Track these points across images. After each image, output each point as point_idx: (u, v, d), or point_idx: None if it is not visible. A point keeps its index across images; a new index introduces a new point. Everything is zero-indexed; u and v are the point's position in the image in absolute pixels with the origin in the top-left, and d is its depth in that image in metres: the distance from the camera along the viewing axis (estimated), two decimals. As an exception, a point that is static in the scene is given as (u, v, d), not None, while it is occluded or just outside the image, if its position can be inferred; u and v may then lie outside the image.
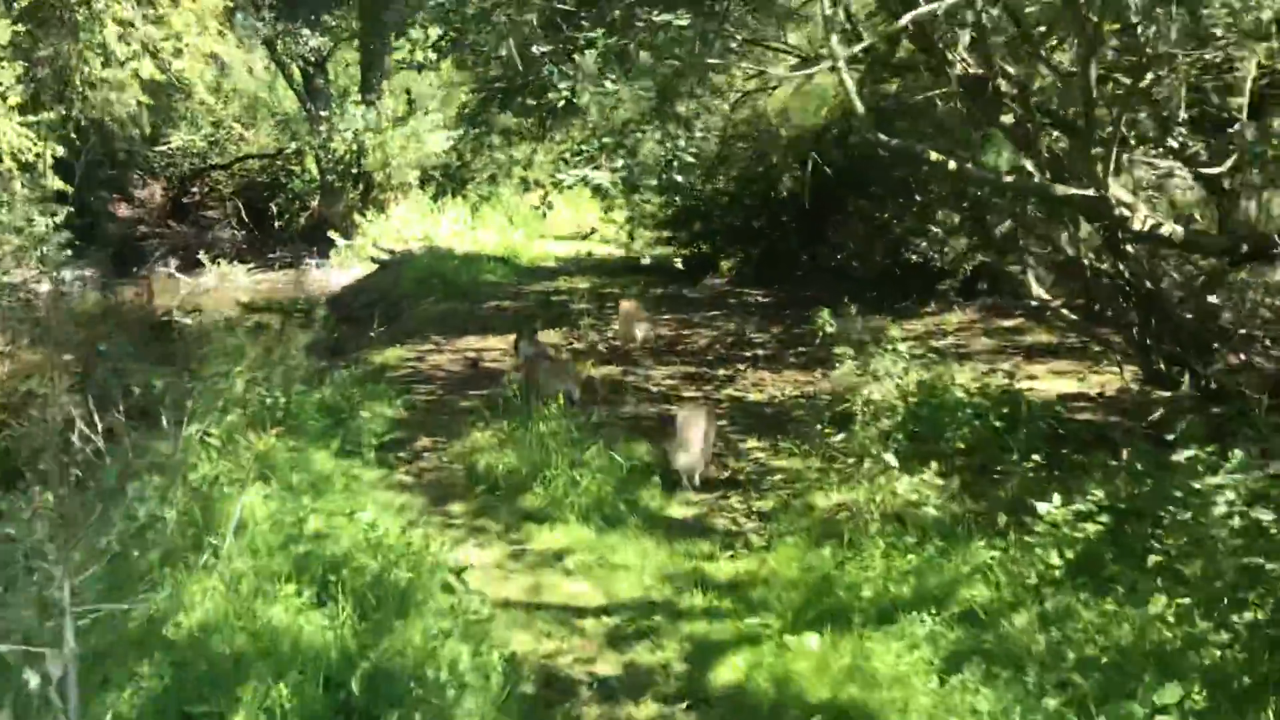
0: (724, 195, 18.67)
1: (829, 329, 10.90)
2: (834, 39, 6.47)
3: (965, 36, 8.80)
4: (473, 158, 22.07)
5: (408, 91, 24.40)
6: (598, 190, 6.74)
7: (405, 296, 16.58)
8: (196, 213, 33.09)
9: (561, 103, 6.24)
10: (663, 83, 13.74)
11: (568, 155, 6.94)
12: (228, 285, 20.67)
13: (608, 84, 6.13)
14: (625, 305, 12.71)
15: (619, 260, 21.26)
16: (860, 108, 7.15)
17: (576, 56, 6.20)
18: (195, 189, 33.39)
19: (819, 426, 7.75)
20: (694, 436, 7.59)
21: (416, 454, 7.76)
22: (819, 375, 10.41)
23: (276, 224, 31.18)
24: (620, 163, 6.68)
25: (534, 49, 8.50)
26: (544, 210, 7.36)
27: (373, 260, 20.13)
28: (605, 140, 6.78)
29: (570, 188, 6.74)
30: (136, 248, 27.55)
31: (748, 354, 11.79)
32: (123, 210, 31.36)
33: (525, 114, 10.53)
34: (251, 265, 23.23)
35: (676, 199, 19.17)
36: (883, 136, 7.76)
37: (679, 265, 18.76)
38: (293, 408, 7.58)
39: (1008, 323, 12.90)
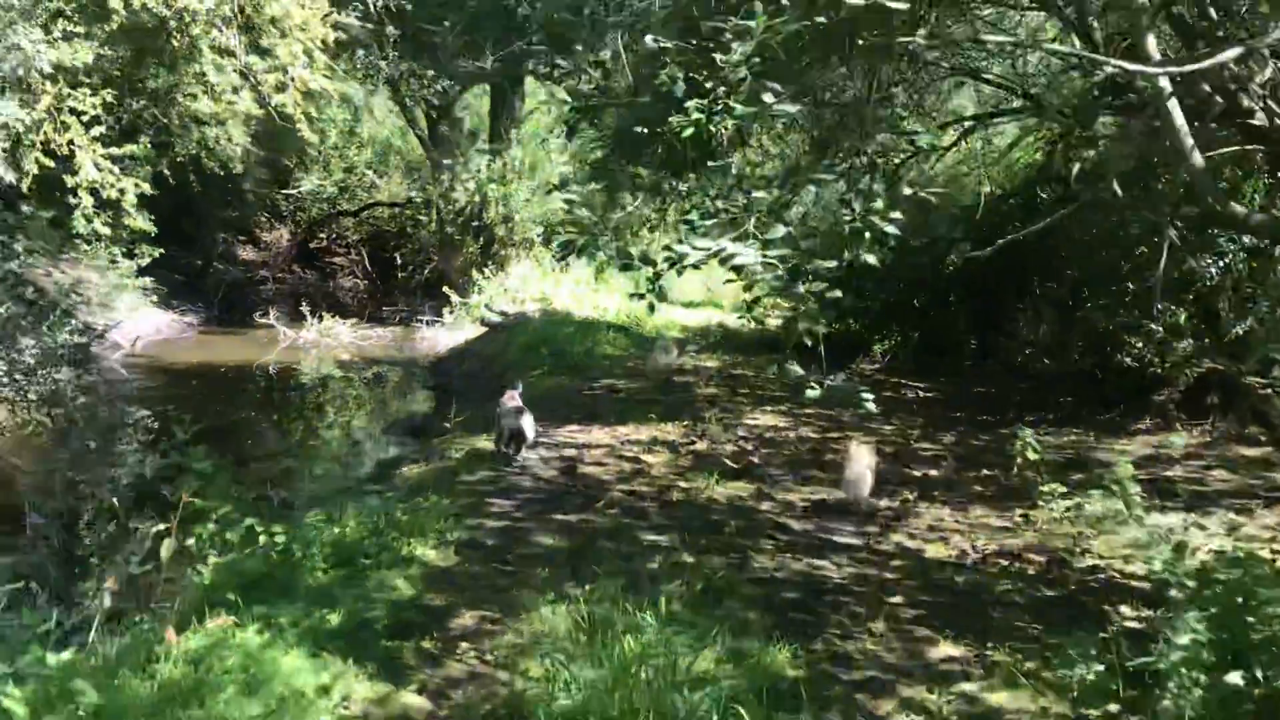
0: (879, 266, 16.12)
1: (1031, 454, 8.43)
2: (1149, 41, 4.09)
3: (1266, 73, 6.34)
4: (599, 215, 20.25)
5: (542, 141, 22.76)
6: (738, 272, 4.45)
7: (510, 367, 14.58)
8: (322, 259, 32.30)
9: (689, 130, 4.03)
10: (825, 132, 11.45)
11: (694, 216, 4.68)
12: (329, 341, 19.12)
13: (766, 98, 3.93)
14: (857, 450, 8.51)
15: (754, 333, 18.93)
16: (1189, 149, 4.74)
17: (719, 57, 4.01)
18: (323, 234, 32.59)
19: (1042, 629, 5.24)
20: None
21: (448, 645, 4.92)
22: (1018, 518, 7.86)
23: (400, 275, 30.04)
24: (779, 231, 4.41)
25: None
26: (651, 297, 4.74)
27: (482, 323, 18.27)
28: (758, 195, 4.53)
29: (697, 267, 4.46)
30: (251, 293, 26.52)
31: (915, 474, 9.28)
32: (247, 253, 30.67)
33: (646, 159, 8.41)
34: (357, 320, 21.71)
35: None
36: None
37: (809, 342, 16.41)
38: (294, 547, 5.42)
39: (1250, 451, 10.06)
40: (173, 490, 5.52)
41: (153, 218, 17.91)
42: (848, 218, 4.54)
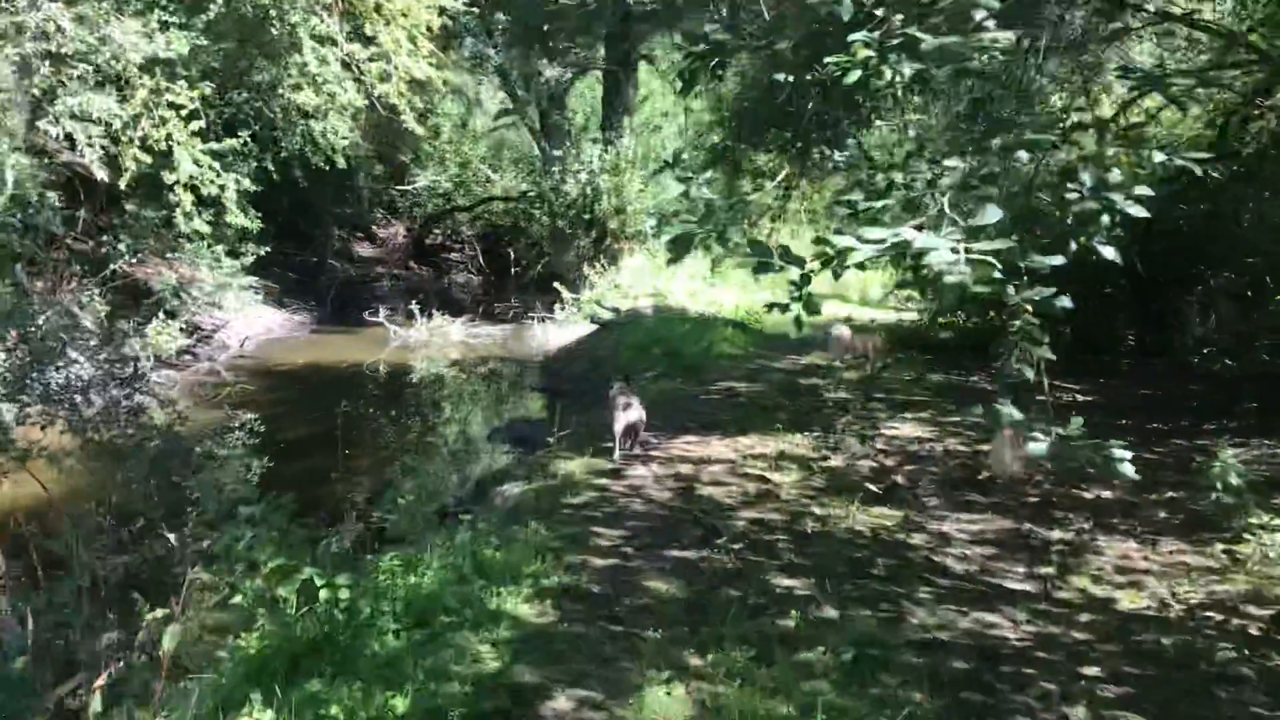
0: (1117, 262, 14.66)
1: (1233, 479, 7.09)
2: None
3: None
4: (716, 204, 19.19)
5: (656, 128, 21.76)
6: (916, 273, 3.29)
7: (621, 368, 13.61)
8: (437, 255, 32.00)
9: (853, 74, 2.94)
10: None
11: (856, 196, 3.58)
12: (438, 340, 18.49)
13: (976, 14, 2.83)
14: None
15: (882, 327, 17.63)
16: None
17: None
18: (438, 230, 32.31)
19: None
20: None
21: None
22: (1222, 555, 6.54)
23: (514, 271, 29.51)
24: (990, 213, 3.30)
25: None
26: (798, 308, 3.52)
27: (592, 320, 17.39)
28: (951, 163, 3.42)
29: (863, 267, 3.35)
30: (365, 291, 26.24)
31: (1086, 496, 7.98)
32: (364, 250, 30.53)
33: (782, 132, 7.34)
34: (470, 318, 21.10)
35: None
36: None
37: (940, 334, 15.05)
38: (361, 603, 4.49)
39: None
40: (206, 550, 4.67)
41: (260, 215, 17.61)
42: (1075, 194, 3.32)
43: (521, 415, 13.03)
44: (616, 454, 8.96)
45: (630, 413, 8.86)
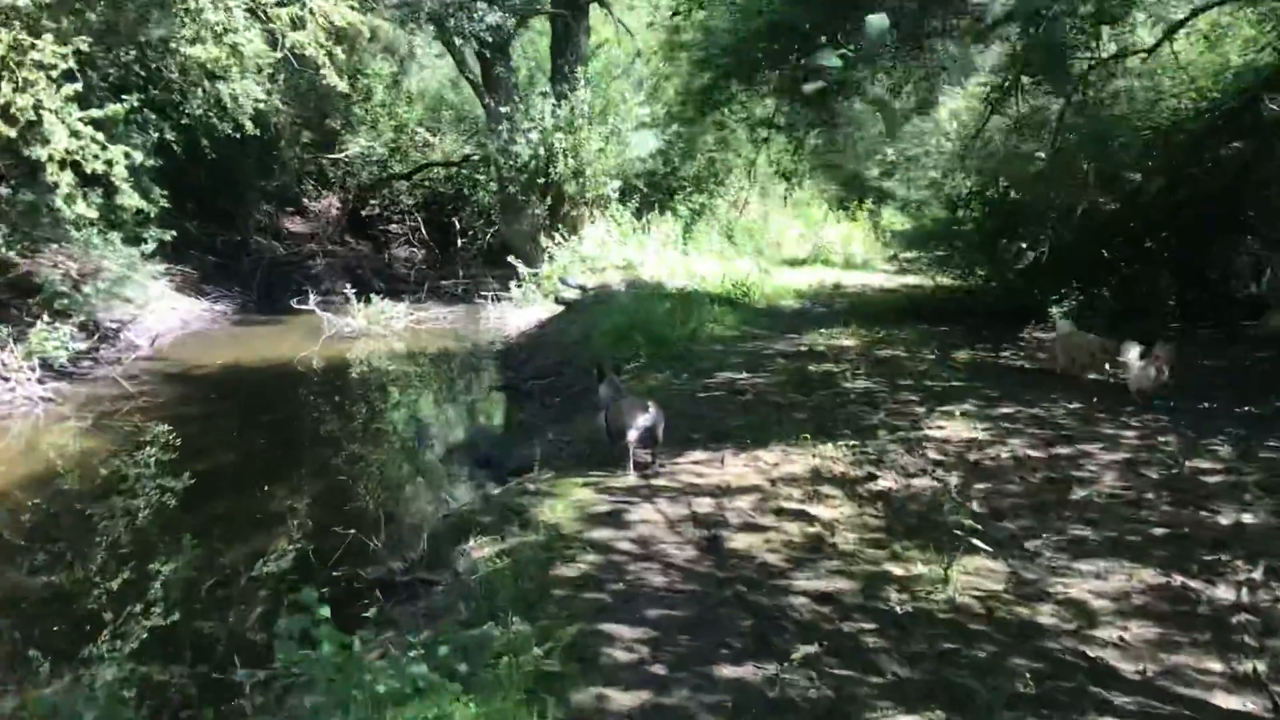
0: (1051, 207, 12.89)
1: None
2: None
3: None
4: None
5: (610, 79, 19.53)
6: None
7: (597, 360, 11.61)
8: (375, 228, 29.66)
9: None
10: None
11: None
12: (378, 327, 16.32)
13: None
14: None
15: (879, 294, 15.79)
16: None
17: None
18: (375, 201, 29.94)
19: None
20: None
21: None
22: None
23: (460, 243, 27.33)
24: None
25: None
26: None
27: (556, 300, 15.30)
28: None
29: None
30: (296, 271, 23.90)
31: (1222, 522, 6.15)
32: (294, 225, 28.10)
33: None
34: (415, 298, 18.93)
35: (972, 208, 13.68)
36: None
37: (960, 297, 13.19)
38: None
39: None
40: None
41: (170, 193, 15.28)
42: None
43: (484, 425, 10.97)
44: (631, 473, 7.25)
45: (644, 416, 7.33)
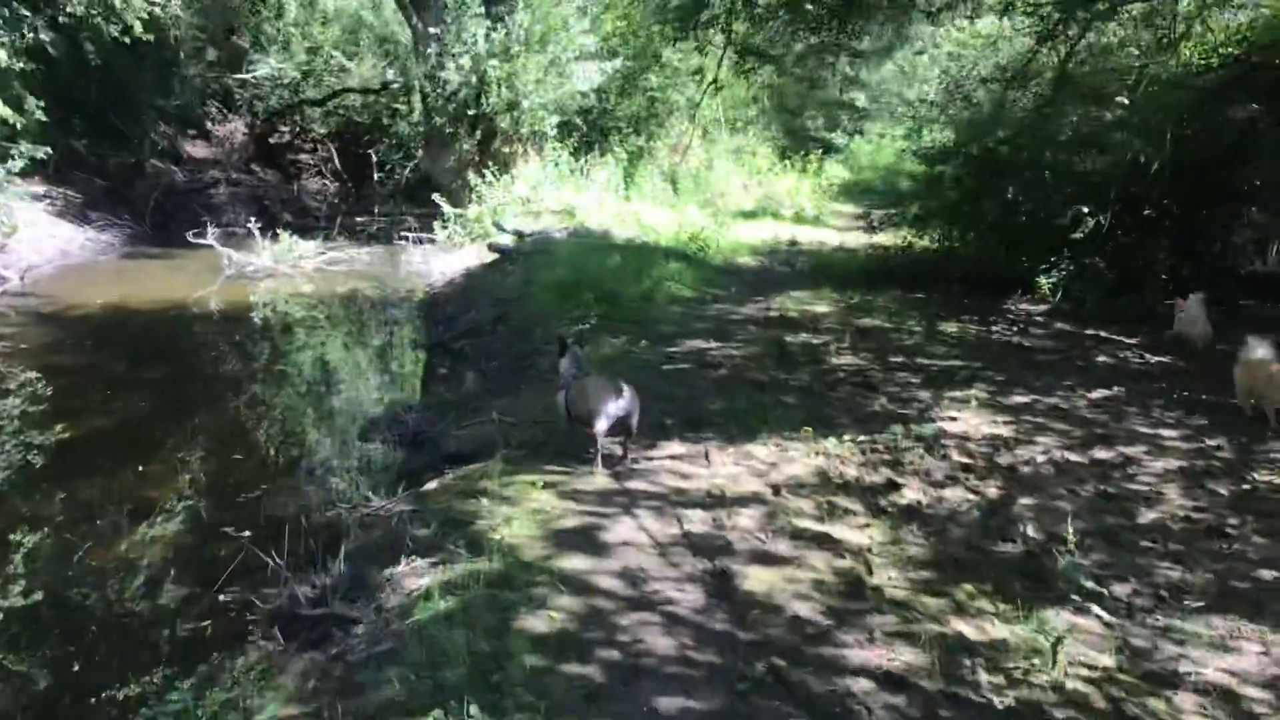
0: (1038, 167, 11.71)
1: None
2: None
3: None
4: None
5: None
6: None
7: (538, 319, 10.16)
8: (284, 157, 27.55)
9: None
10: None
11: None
12: (286, 267, 14.54)
13: None
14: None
15: (841, 253, 14.54)
16: None
17: None
18: (285, 128, 27.79)
19: None
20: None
21: None
22: None
23: (376, 176, 25.45)
24: None
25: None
26: None
27: (490, 248, 13.69)
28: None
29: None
30: (197, 199, 21.81)
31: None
32: (196, 150, 25.86)
33: None
34: (326, 235, 17.13)
35: (951, 166, 12.45)
36: None
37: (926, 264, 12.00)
38: None
39: None
40: None
41: (49, 105, 13.33)
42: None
43: (406, 394, 9.39)
44: (600, 471, 5.89)
45: (616, 401, 5.93)
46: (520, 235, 13.62)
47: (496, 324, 10.50)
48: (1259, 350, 7.15)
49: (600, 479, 5.82)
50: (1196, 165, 10.81)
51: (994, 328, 10.30)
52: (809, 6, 9.88)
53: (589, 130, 19.51)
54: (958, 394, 7.81)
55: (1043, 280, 11.31)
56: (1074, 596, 4.44)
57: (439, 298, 12.84)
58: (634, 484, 5.78)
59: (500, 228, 14.31)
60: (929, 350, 9.19)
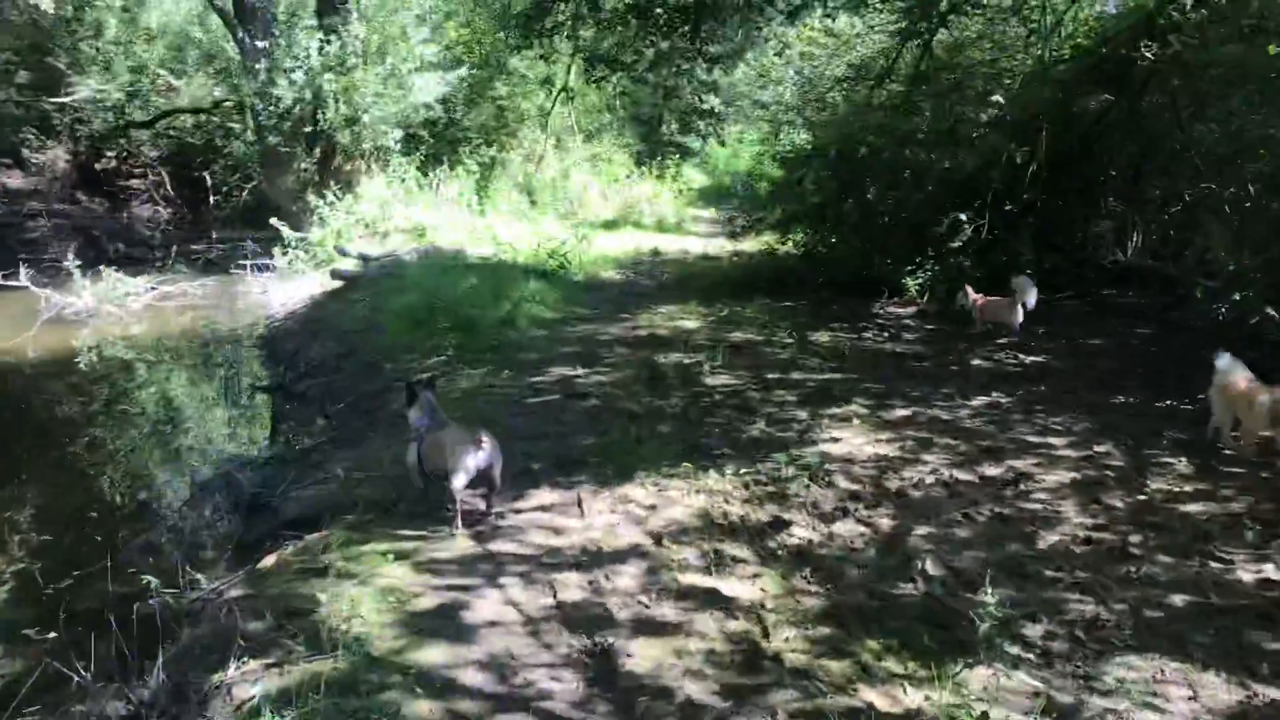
0: (898, 166, 11.55)
1: None
2: None
3: None
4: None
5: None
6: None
7: (388, 353, 9.44)
8: (114, 184, 25.80)
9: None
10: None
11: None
12: (113, 307, 13.38)
13: None
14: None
15: (704, 262, 14.18)
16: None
17: None
18: (111, 154, 26.03)
19: None
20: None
21: None
22: None
23: (212, 200, 24.09)
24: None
25: None
26: None
27: (333, 275, 12.83)
28: None
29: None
30: (14, 232, 20.21)
31: (1237, 577, 4.78)
32: (13, 180, 23.99)
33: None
34: (161, 263, 15.96)
35: (810, 168, 12.19)
36: None
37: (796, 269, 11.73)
38: None
39: None
40: None
41: None
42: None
43: (241, 446, 8.51)
44: (459, 532, 5.30)
45: (475, 454, 5.28)
46: (366, 259, 12.81)
47: (342, 360, 9.73)
48: (1237, 371, 6.53)
49: (461, 542, 5.21)
50: (1054, 158, 10.77)
51: (865, 334, 10.04)
52: (658, 10, 9.43)
53: (437, 143, 18.71)
54: (837, 411, 7.46)
55: (910, 282, 11.13)
56: (996, 664, 4.01)
57: (280, 332, 11.92)
58: (500, 545, 5.18)
59: (343, 252, 13.45)
60: (803, 363, 8.84)
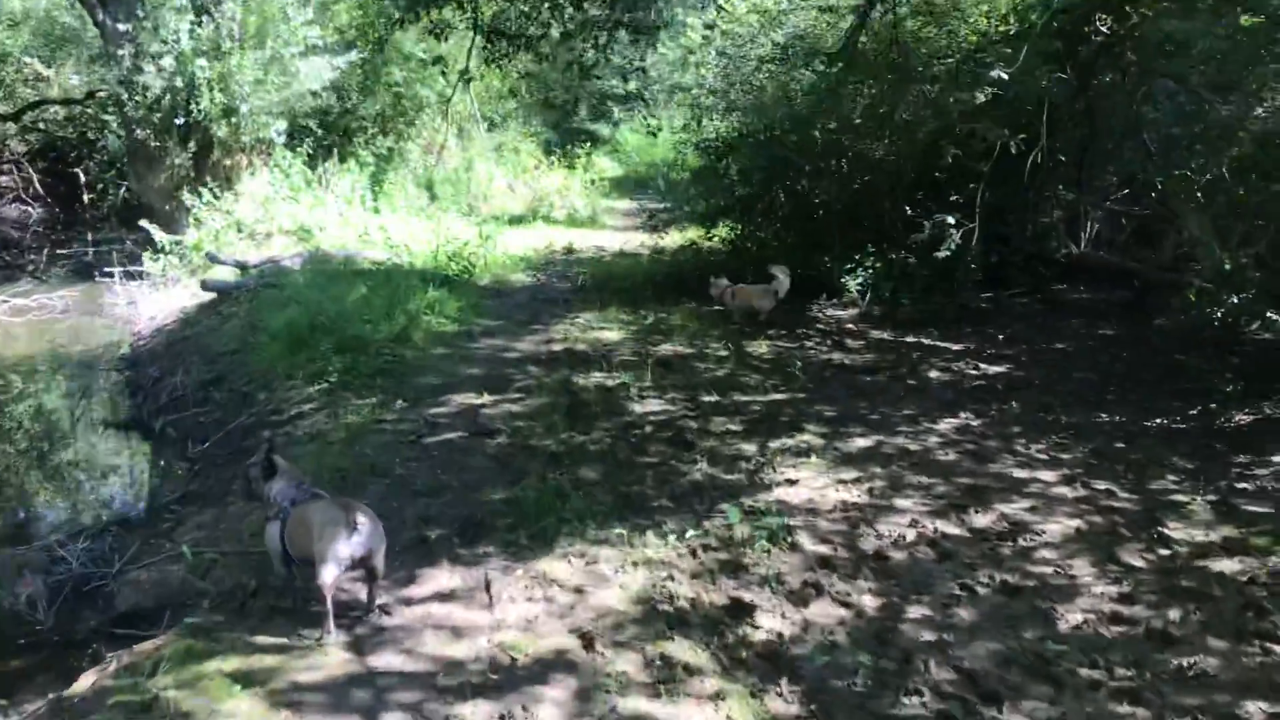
0: (836, 154, 10.58)
1: None
2: None
3: None
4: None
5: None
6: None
7: (263, 380, 8.11)
8: (-25, 183, 23.73)
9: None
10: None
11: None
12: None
13: None
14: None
15: (622, 260, 13.03)
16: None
17: None
18: (-29, 150, 23.95)
19: None
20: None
21: None
22: None
23: (87, 199, 22.19)
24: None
25: None
26: None
27: (205, 287, 11.35)
28: None
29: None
30: None
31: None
32: None
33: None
34: (31, 267, 14.30)
35: (734, 157, 11.14)
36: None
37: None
38: None
39: None
40: None
41: None
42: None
43: (84, 504, 7.10)
44: (329, 638, 4.15)
45: (350, 539, 4.09)
46: (243, 267, 11.38)
47: (209, 389, 8.36)
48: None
49: (333, 655, 4.00)
50: (999, 144, 9.84)
51: (807, 343, 9.00)
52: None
53: (328, 134, 17.19)
54: (789, 442, 6.39)
55: (850, 281, 10.12)
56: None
57: (145, 354, 10.40)
58: (384, 658, 3.99)
59: (215, 259, 11.97)
60: (742, 381, 7.75)
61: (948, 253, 8.56)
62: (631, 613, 4.31)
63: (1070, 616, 4.30)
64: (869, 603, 4.43)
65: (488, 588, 4.56)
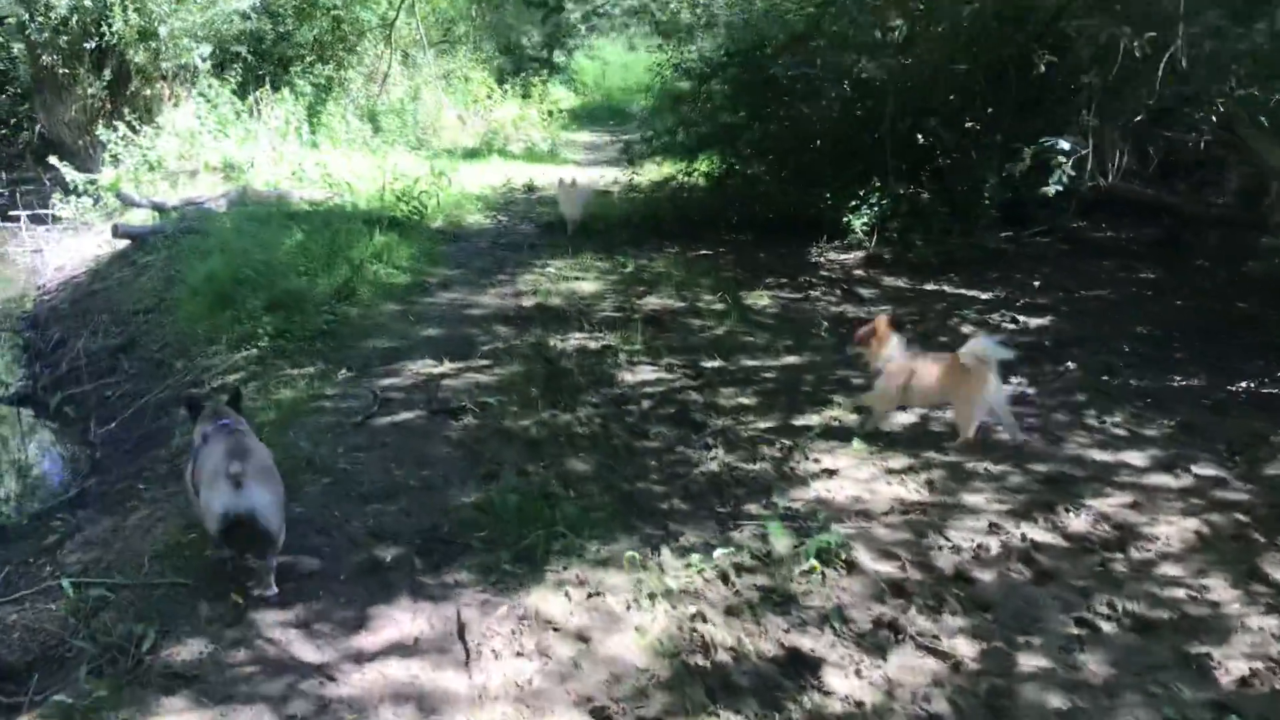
0: (839, 74, 9.43)
1: None
2: None
3: None
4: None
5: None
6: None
7: (181, 344, 6.87)
8: None
9: None
10: None
11: None
12: None
13: None
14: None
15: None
16: None
17: None
18: None
19: None
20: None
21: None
22: None
23: (1, 133, 20.40)
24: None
25: None
26: None
27: (116, 232, 9.95)
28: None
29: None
30: None
31: None
32: None
33: None
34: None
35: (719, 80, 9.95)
36: None
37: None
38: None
39: None
40: None
41: None
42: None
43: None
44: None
45: (226, 492, 3.45)
46: (161, 209, 10.00)
47: (119, 356, 7.10)
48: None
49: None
50: (1010, 60, 8.74)
51: (812, 293, 7.90)
52: None
53: (260, 62, 15.64)
54: (816, 419, 5.32)
55: (854, 220, 9.00)
56: None
57: (49, 311, 9.05)
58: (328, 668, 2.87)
59: (129, 201, 10.57)
60: (747, 342, 6.65)
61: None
62: (656, 671, 3.24)
63: (1231, 665, 3.28)
64: (965, 650, 3.37)
65: (461, 634, 3.45)
